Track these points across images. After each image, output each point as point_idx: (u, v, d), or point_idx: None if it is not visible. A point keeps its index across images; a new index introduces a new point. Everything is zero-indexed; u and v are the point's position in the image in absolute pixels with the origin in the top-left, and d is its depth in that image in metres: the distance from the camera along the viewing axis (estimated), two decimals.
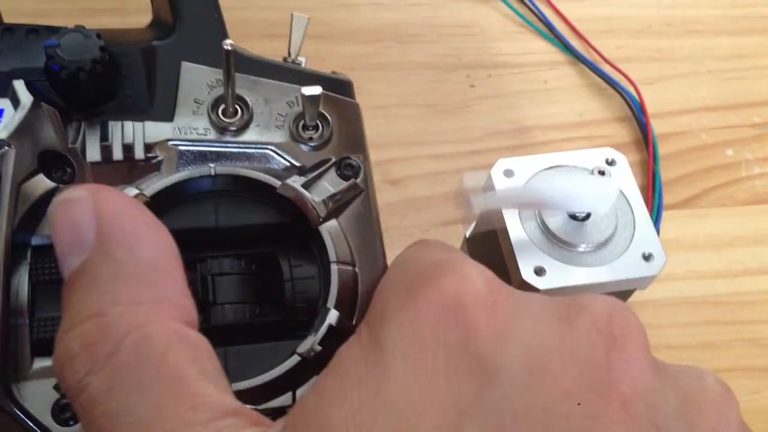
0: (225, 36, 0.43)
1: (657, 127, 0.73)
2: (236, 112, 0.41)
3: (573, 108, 0.75)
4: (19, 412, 0.34)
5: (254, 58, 0.43)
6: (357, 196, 0.40)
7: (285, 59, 0.45)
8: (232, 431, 0.24)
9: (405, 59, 0.75)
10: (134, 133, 0.40)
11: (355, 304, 0.37)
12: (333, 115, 0.42)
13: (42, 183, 0.38)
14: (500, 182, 0.51)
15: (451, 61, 0.76)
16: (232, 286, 0.38)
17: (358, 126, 0.43)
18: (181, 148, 0.40)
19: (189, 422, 0.24)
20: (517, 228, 0.49)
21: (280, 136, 0.41)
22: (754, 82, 0.79)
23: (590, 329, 0.27)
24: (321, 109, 0.41)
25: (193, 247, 0.39)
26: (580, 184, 0.47)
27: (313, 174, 0.39)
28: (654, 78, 0.77)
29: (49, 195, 0.38)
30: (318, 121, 0.42)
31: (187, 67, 0.42)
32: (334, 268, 0.37)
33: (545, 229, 0.49)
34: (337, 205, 0.39)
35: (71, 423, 0.35)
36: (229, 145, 0.41)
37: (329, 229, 0.38)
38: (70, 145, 0.39)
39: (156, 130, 0.40)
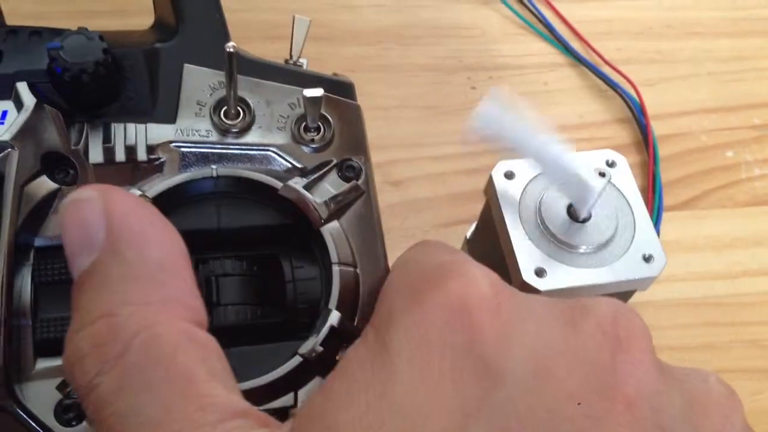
0: (227, 38, 0.43)
1: (657, 128, 0.73)
2: (238, 114, 0.42)
3: (573, 110, 0.75)
4: (21, 413, 0.34)
5: (256, 60, 0.43)
6: (358, 197, 0.40)
7: (287, 61, 0.45)
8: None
9: (406, 61, 0.75)
10: (137, 134, 0.40)
11: (357, 306, 0.37)
12: (334, 116, 0.42)
13: (45, 184, 0.38)
14: (502, 184, 0.51)
15: (452, 62, 0.76)
16: (234, 287, 0.38)
17: (359, 128, 0.43)
18: (183, 149, 0.41)
19: (198, 423, 0.24)
20: (517, 229, 0.49)
21: (281, 138, 0.42)
22: (754, 84, 0.79)
23: (595, 331, 0.27)
24: (322, 111, 0.42)
25: (195, 249, 0.39)
26: (576, 173, 0.47)
27: (315, 175, 0.39)
28: (654, 80, 0.77)
29: (52, 196, 0.38)
30: (319, 123, 0.42)
31: (189, 69, 0.42)
32: (335, 269, 0.37)
33: (546, 230, 0.49)
34: (338, 207, 0.39)
35: (74, 423, 0.35)
36: (231, 146, 0.41)
37: (331, 230, 0.38)
38: (72, 147, 0.39)
39: (158, 132, 0.41)
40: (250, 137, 0.41)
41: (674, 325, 0.63)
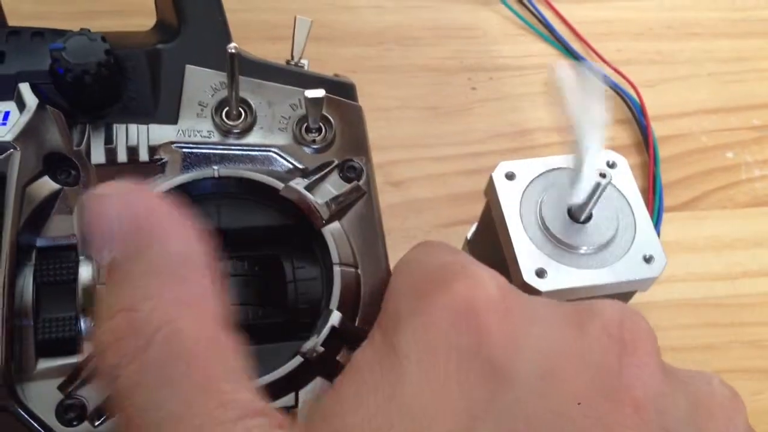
0: (229, 39, 0.44)
1: (657, 129, 0.73)
2: (240, 114, 0.42)
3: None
4: (23, 413, 0.34)
5: (258, 61, 0.43)
6: (359, 198, 0.40)
7: (288, 62, 0.46)
8: (261, 431, 0.24)
9: (406, 62, 0.76)
10: (138, 135, 0.40)
11: (358, 306, 0.37)
12: (336, 117, 0.42)
13: (47, 185, 0.38)
14: (502, 185, 0.51)
15: (453, 63, 0.76)
16: (236, 287, 0.38)
17: (360, 128, 0.43)
18: (185, 150, 0.41)
19: (219, 419, 0.24)
20: (518, 230, 0.49)
21: (283, 139, 0.42)
22: (754, 85, 0.79)
23: (601, 334, 0.27)
24: (324, 112, 0.42)
25: None
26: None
27: (316, 176, 0.39)
28: (654, 81, 0.77)
29: (54, 197, 0.38)
30: (321, 124, 0.42)
31: (191, 69, 0.42)
32: (336, 269, 0.37)
33: (546, 230, 0.49)
34: (339, 207, 0.39)
35: (75, 423, 0.35)
36: (232, 147, 0.41)
37: (332, 230, 0.38)
38: (75, 148, 0.39)
39: (160, 133, 0.41)
40: (252, 138, 0.42)
41: (674, 326, 0.64)
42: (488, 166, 0.52)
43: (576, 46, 0.78)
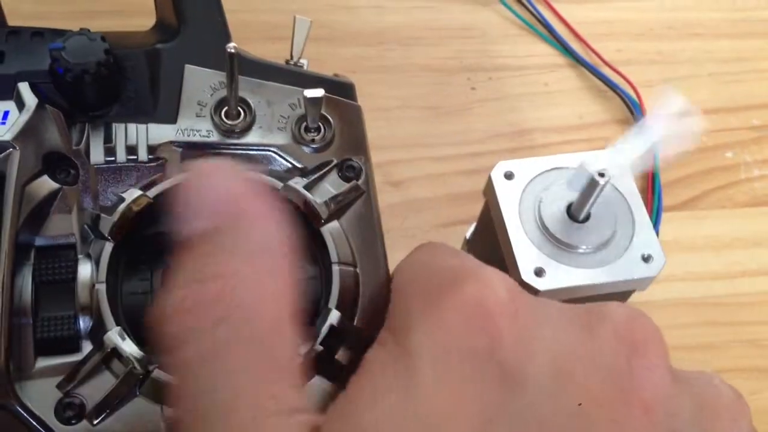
0: (228, 39, 0.44)
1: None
2: (239, 114, 0.42)
3: (573, 110, 0.75)
4: (22, 411, 0.35)
5: (257, 61, 0.43)
6: (358, 197, 0.40)
7: (287, 62, 0.46)
8: (304, 428, 0.24)
9: (406, 62, 0.76)
10: (138, 135, 0.40)
11: (357, 305, 0.37)
12: (335, 117, 0.42)
13: (46, 184, 0.38)
14: (501, 184, 0.51)
15: (452, 63, 0.76)
16: None
17: (359, 128, 0.43)
18: (184, 149, 0.41)
19: (272, 410, 0.24)
20: (516, 229, 0.50)
21: (282, 138, 0.42)
22: (754, 85, 0.79)
23: (611, 336, 0.27)
24: (323, 112, 0.42)
25: None
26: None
27: (315, 176, 0.39)
28: (654, 81, 0.77)
29: (53, 196, 0.38)
30: (320, 124, 0.42)
31: (190, 69, 0.42)
32: (335, 269, 0.37)
33: (545, 230, 0.49)
34: (338, 207, 0.39)
35: (74, 422, 0.35)
36: (231, 146, 0.41)
37: (331, 230, 0.38)
38: (74, 147, 0.39)
39: (159, 132, 0.41)
40: (251, 137, 0.42)
41: (673, 325, 0.64)
42: (488, 165, 0.53)
43: (576, 46, 0.78)
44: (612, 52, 0.78)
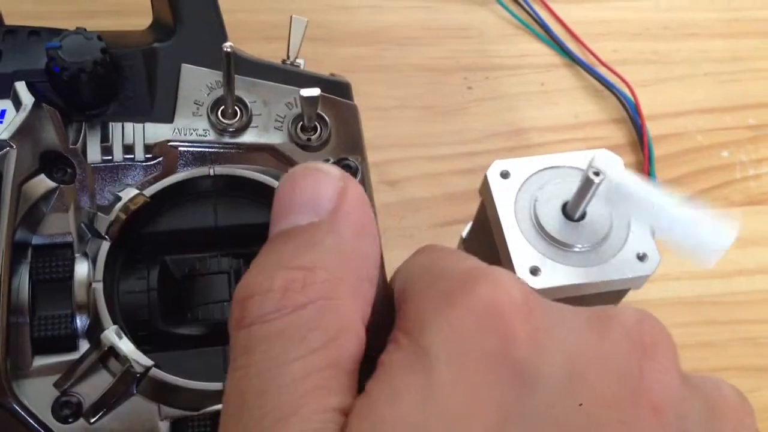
0: (225, 38, 0.44)
1: (653, 128, 0.73)
2: (235, 113, 0.42)
3: (569, 110, 0.75)
4: (19, 409, 0.35)
5: (253, 61, 0.44)
6: None
7: (284, 61, 0.46)
8: (333, 427, 0.25)
9: (403, 62, 0.76)
10: (134, 134, 0.41)
11: None
12: (331, 116, 0.42)
13: (43, 183, 0.38)
14: (497, 183, 0.51)
15: (449, 63, 0.76)
16: (232, 284, 0.38)
17: (356, 127, 0.43)
18: (180, 148, 0.41)
19: (311, 403, 0.25)
20: (512, 228, 0.50)
21: (278, 138, 0.42)
22: (749, 85, 0.79)
23: (622, 338, 0.27)
24: (319, 111, 0.42)
25: (193, 247, 0.39)
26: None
27: None
28: (650, 80, 0.77)
29: (50, 195, 0.38)
30: (316, 123, 0.42)
31: (187, 68, 0.42)
32: None
33: (540, 229, 0.49)
34: None
35: (70, 420, 0.35)
36: (228, 145, 0.41)
37: None
38: (71, 146, 0.39)
39: (156, 131, 0.41)
40: (248, 137, 0.42)
41: (670, 324, 0.62)
42: (484, 165, 0.53)
43: (572, 46, 0.78)
44: (608, 51, 0.78)
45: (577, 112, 0.75)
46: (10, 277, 0.36)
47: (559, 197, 0.50)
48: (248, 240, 0.38)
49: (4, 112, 0.39)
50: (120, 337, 0.35)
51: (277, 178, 0.39)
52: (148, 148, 0.40)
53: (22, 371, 0.36)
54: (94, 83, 0.39)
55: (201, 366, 0.37)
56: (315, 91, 0.40)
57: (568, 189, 0.50)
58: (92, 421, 0.35)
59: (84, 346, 0.36)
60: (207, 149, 0.41)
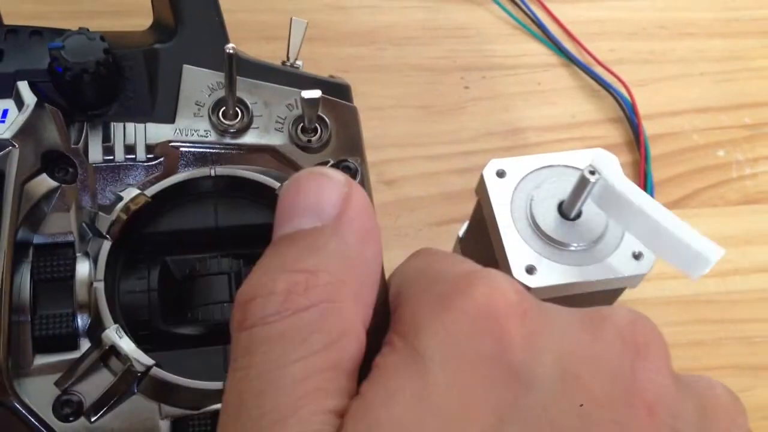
0: (226, 39, 0.44)
1: (649, 128, 0.73)
2: (236, 114, 0.42)
3: (566, 109, 0.75)
4: (20, 408, 0.35)
5: (254, 62, 0.44)
6: None
7: (284, 63, 0.46)
8: (330, 429, 0.25)
9: (400, 61, 0.76)
10: (136, 134, 0.41)
11: None
12: (331, 118, 0.43)
13: (45, 182, 0.39)
14: (493, 182, 0.52)
15: (446, 63, 0.77)
16: (232, 284, 0.38)
17: (355, 129, 0.43)
18: (182, 149, 0.41)
19: (310, 404, 0.25)
20: (508, 227, 0.50)
21: (279, 139, 0.42)
22: (746, 84, 0.79)
23: (615, 339, 0.28)
24: (320, 113, 0.42)
25: (193, 247, 0.40)
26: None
27: None
28: (646, 80, 0.78)
29: (52, 194, 0.39)
30: (317, 125, 0.42)
31: (188, 69, 0.43)
32: None
33: (536, 227, 0.50)
34: None
35: (71, 419, 0.35)
36: (228, 146, 0.41)
37: None
38: (72, 146, 0.40)
39: (157, 132, 0.41)
40: (248, 138, 0.42)
41: (665, 323, 0.63)
42: (481, 164, 0.53)
43: (569, 45, 0.78)
44: (605, 51, 0.78)
45: (574, 112, 0.75)
46: (12, 275, 0.36)
47: (555, 196, 0.51)
48: (249, 241, 0.38)
49: (6, 111, 0.39)
50: (121, 336, 0.36)
51: (277, 179, 0.39)
52: (149, 149, 0.41)
53: (23, 370, 0.36)
54: (96, 83, 0.39)
55: (201, 365, 0.37)
56: (316, 93, 0.40)
57: (564, 188, 0.50)
58: (93, 419, 0.35)
59: (85, 345, 0.37)
60: (208, 150, 0.41)
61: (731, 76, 0.80)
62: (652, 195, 0.67)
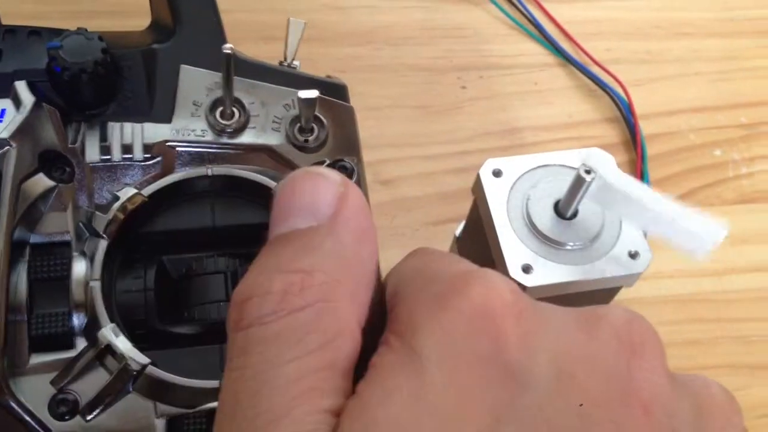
0: (223, 39, 0.44)
1: (646, 127, 0.73)
2: (233, 114, 0.42)
3: (563, 109, 0.75)
4: (16, 407, 0.35)
5: (252, 62, 0.44)
6: None
7: (281, 63, 0.46)
8: (325, 428, 0.25)
9: (397, 61, 0.76)
10: (133, 133, 0.41)
11: None
12: (328, 118, 0.43)
13: (42, 182, 0.39)
14: (490, 182, 0.52)
15: (443, 63, 0.77)
16: (228, 283, 0.38)
17: (352, 129, 0.43)
18: (179, 148, 0.41)
19: (304, 404, 0.25)
20: (505, 226, 0.50)
21: (276, 139, 0.42)
22: (742, 84, 0.79)
23: (610, 338, 0.28)
24: (317, 113, 0.42)
25: (190, 246, 0.40)
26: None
27: None
28: (643, 80, 0.78)
29: (49, 194, 0.39)
30: (313, 124, 0.42)
31: (186, 69, 0.43)
32: None
33: (533, 227, 0.50)
34: None
35: (67, 417, 0.35)
36: (225, 146, 0.41)
37: None
38: (70, 145, 0.40)
39: (155, 131, 0.41)
40: (245, 137, 0.42)
41: (661, 322, 0.63)
42: (477, 164, 0.53)
43: (565, 45, 0.78)
44: (601, 51, 0.78)
45: (571, 112, 0.75)
46: (8, 274, 0.36)
47: (551, 195, 0.51)
48: (245, 240, 0.39)
49: (4, 111, 0.39)
50: (117, 335, 0.36)
51: (274, 178, 0.39)
52: (146, 148, 0.41)
53: (19, 369, 0.36)
54: (94, 83, 0.39)
55: (197, 364, 0.37)
56: (313, 93, 0.40)
57: (560, 187, 0.50)
58: (89, 418, 0.36)
59: (81, 344, 0.37)
60: (205, 149, 0.41)
61: (727, 75, 0.80)
62: None
